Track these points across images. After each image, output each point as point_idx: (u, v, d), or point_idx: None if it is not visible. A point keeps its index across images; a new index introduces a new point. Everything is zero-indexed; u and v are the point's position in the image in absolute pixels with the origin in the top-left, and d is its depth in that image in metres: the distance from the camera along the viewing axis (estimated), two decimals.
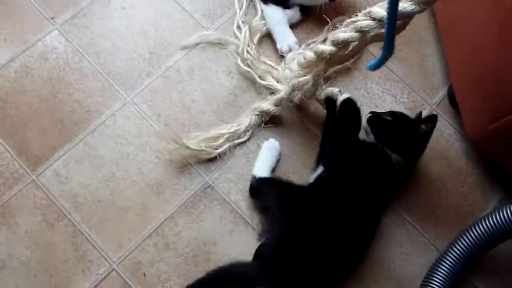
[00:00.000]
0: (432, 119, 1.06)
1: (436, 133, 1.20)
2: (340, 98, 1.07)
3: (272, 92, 1.15)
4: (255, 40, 1.21)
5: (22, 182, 1.06)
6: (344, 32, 0.88)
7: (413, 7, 0.77)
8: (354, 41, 0.88)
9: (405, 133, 1.03)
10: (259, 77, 1.17)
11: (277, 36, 1.21)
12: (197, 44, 1.21)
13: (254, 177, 1.07)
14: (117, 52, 1.19)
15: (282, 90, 1.10)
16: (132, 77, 1.17)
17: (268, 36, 1.24)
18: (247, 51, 1.18)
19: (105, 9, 1.23)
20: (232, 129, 1.11)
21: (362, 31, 0.85)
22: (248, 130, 1.13)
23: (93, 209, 1.05)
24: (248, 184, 1.08)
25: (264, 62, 1.19)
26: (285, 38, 1.21)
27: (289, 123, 1.17)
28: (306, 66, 0.99)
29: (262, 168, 1.08)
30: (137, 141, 1.11)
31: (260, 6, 1.25)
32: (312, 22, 1.27)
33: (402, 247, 1.09)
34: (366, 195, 1.00)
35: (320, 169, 1.05)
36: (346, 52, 0.96)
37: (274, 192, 1.04)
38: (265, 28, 1.23)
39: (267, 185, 1.06)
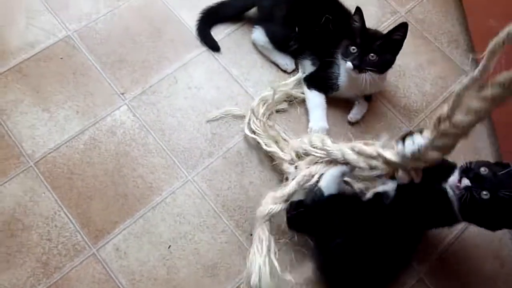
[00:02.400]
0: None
1: (489, 232, 1.20)
2: None
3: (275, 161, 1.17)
4: (262, 110, 1.22)
5: (83, 254, 1.09)
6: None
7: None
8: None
9: None
10: (265, 144, 1.18)
11: (312, 117, 1.27)
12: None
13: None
14: (181, 131, 1.24)
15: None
16: (194, 156, 1.21)
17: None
18: (253, 122, 1.20)
19: (172, 88, 1.29)
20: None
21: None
22: None
23: (149, 287, 1.07)
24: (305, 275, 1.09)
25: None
26: (319, 121, 1.26)
27: None
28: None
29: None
30: (196, 220, 1.14)
31: (303, 88, 1.29)
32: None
33: None
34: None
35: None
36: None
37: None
38: (272, 99, 1.23)
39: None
